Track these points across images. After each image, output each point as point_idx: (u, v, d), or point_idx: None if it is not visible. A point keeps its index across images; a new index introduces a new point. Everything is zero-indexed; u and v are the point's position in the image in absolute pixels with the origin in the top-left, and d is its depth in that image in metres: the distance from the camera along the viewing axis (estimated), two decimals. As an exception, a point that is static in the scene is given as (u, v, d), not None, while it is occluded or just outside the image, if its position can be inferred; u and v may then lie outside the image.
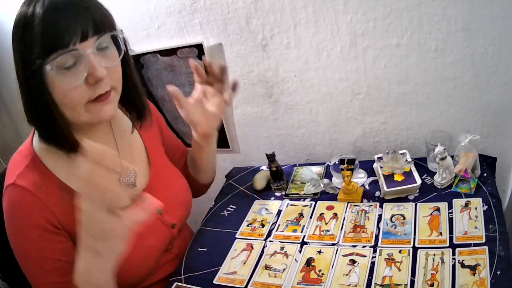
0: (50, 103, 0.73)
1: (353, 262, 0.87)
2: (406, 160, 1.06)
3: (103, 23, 0.73)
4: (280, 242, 0.99)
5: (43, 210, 0.77)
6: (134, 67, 0.87)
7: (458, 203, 0.93)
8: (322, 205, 1.08)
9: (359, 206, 1.03)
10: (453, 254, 0.81)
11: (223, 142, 1.45)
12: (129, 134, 0.96)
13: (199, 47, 1.25)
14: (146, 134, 1.01)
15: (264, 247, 0.99)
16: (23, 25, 0.69)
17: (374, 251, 0.88)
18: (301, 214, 1.06)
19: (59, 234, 0.79)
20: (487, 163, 1.04)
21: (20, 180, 0.77)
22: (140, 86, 0.91)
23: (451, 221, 0.89)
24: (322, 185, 1.13)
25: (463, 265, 0.77)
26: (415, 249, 0.85)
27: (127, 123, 0.98)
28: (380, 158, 1.09)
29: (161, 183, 0.97)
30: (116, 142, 0.92)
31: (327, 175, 1.20)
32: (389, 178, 1.04)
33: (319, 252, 0.92)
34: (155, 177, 0.96)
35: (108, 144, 0.91)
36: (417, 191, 1.01)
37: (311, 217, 1.04)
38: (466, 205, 0.92)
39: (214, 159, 1.14)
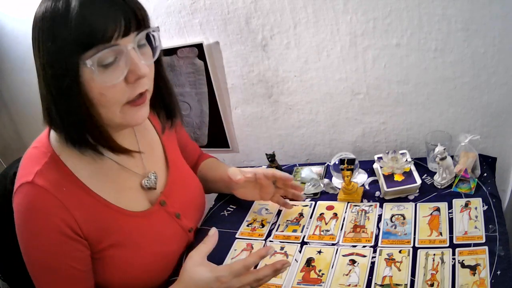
0: (85, 103, 0.68)
1: (353, 262, 0.87)
2: (406, 160, 1.06)
3: (143, 18, 0.69)
4: (280, 242, 0.99)
5: (64, 213, 0.72)
6: (165, 65, 0.84)
7: (458, 203, 0.93)
8: (322, 205, 1.07)
9: (359, 206, 1.03)
10: (453, 254, 0.81)
11: (223, 142, 1.45)
12: (149, 135, 0.93)
13: (199, 47, 1.25)
14: (165, 135, 0.99)
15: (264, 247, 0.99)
16: (51, 19, 0.63)
17: (374, 251, 0.88)
18: (301, 214, 1.06)
19: (78, 242, 0.75)
20: (487, 163, 1.04)
21: (39, 178, 0.72)
22: (171, 84, 0.88)
23: (451, 221, 0.89)
24: (322, 185, 1.13)
25: (463, 265, 0.77)
26: (415, 249, 0.85)
27: (148, 123, 0.96)
28: (380, 158, 1.09)
29: (178, 186, 0.95)
30: (138, 143, 0.90)
31: (327, 175, 1.20)
32: (389, 178, 1.04)
33: (319, 252, 0.92)
34: (173, 180, 0.95)
35: (131, 145, 0.87)
36: (417, 191, 1.01)
37: (311, 217, 1.04)
38: (466, 205, 0.92)
39: None
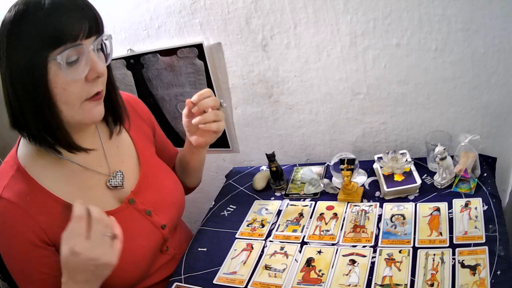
0: (49, 99, 0.72)
1: (353, 262, 0.87)
2: (406, 160, 1.06)
3: (102, 24, 0.75)
4: (280, 242, 0.99)
5: (29, 223, 0.77)
6: (111, 66, 0.88)
7: (458, 203, 0.93)
8: (322, 205, 1.08)
9: (359, 206, 1.03)
10: (453, 254, 0.81)
11: (223, 142, 1.45)
12: (115, 134, 0.95)
13: (199, 47, 1.25)
14: (137, 134, 1.00)
15: (264, 247, 0.99)
16: (21, 21, 0.68)
17: (374, 251, 0.88)
18: (301, 214, 1.06)
19: (45, 249, 0.80)
20: (487, 163, 1.04)
21: (6, 192, 0.77)
22: (118, 90, 0.91)
23: (451, 221, 0.89)
24: (322, 185, 1.13)
25: (463, 265, 0.77)
26: (415, 249, 0.85)
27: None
28: (380, 158, 1.09)
29: (151, 183, 0.96)
30: (103, 143, 0.91)
31: (327, 175, 1.20)
32: (389, 178, 1.04)
33: (319, 252, 0.92)
34: (145, 177, 0.95)
35: (95, 146, 0.89)
36: (417, 191, 1.01)
37: (311, 217, 1.04)
38: (466, 205, 0.92)
39: (202, 165, 1.14)
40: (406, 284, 0.77)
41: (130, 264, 0.88)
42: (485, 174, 1.00)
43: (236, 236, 1.05)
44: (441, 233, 0.87)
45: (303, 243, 0.96)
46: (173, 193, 1.02)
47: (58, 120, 0.75)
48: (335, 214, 1.03)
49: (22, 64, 0.69)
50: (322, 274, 0.86)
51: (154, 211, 0.94)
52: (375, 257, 0.86)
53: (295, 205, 1.11)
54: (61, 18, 0.67)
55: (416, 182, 1.00)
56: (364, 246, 0.90)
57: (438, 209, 0.94)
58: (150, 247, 0.93)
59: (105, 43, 0.79)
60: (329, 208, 1.06)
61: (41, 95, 0.71)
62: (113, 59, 0.98)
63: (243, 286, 0.89)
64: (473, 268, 0.76)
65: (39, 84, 0.70)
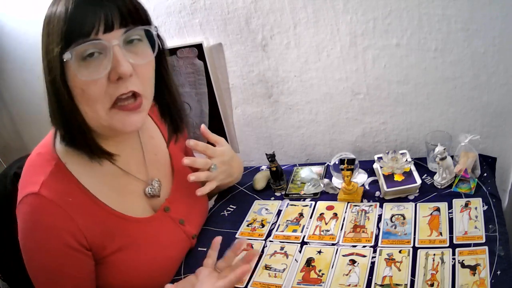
0: (71, 100, 0.68)
1: (353, 262, 0.87)
2: (406, 160, 1.06)
3: (131, 15, 0.68)
4: (280, 242, 0.99)
5: (69, 225, 0.72)
6: (171, 71, 0.81)
7: (458, 203, 0.93)
8: (322, 205, 1.07)
9: (359, 206, 1.03)
10: (453, 254, 0.81)
11: (223, 142, 1.45)
12: (155, 142, 0.91)
13: (199, 47, 1.25)
14: (171, 143, 0.97)
15: (264, 247, 0.99)
16: (48, 19, 0.66)
17: (374, 251, 0.88)
18: (301, 214, 1.06)
19: (82, 253, 0.75)
20: (487, 163, 1.04)
21: (45, 189, 0.71)
22: (178, 93, 0.84)
23: (451, 221, 0.89)
24: (322, 185, 1.13)
25: (463, 265, 0.77)
26: (415, 249, 0.85)
27: (153, 128, 0.94)
28: (380, 158, 1.09)
29: (183, 193, 0.95)
30: (143, 149, 0.89)
31: (327, 175, 1.20)
32: (389, 178, 1.04)
33: (319, 252, 0.92)
34: (178, 186, 0.94)
35: (135, 151, 0.88)
36: (417, 191, 1.01)
37: (311, 217, 1.04)
38: (466, 205, 0.92)
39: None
40: (406, 284, 0.77)
41: (160, 272, 0.86)
42: (485, 174, 1.00)
43: (236, 236, 1.05)
44: (441, 233, 0.87)
45: (303, 243, 0.96)
46: (202, 202, 1.02)
47: (84, 125, 0.71)
48: (335, 214, 1.03)
49: (47, 65, 0.67)
50: (322, 274, 0.86)
51: (187, 221, 0.93)
52: (375, 257, 0.86)
53: (295, 205, 1.11)
54: (74, 13, 0.64)
55: (416, 182, 1.00)
56: (364, 246, 0.90)
57: (438, 209, 0.93)
58: (180, 256, 0.92)
59: (148, 34, 0.71)
60: (329, 208, 1.06)
61: (63, 96, 0.67)
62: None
63: (243, 286, 0.89)
64: (473, 268, 0.76)
65: (59, 84, 0.66)
